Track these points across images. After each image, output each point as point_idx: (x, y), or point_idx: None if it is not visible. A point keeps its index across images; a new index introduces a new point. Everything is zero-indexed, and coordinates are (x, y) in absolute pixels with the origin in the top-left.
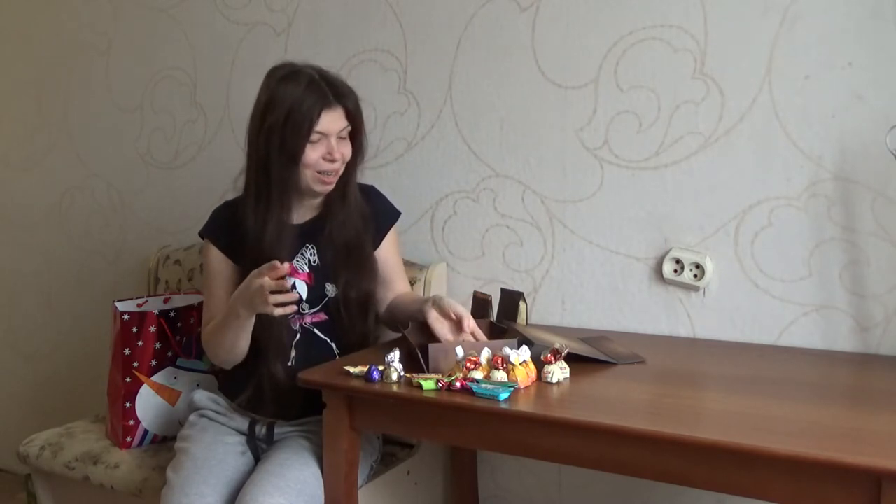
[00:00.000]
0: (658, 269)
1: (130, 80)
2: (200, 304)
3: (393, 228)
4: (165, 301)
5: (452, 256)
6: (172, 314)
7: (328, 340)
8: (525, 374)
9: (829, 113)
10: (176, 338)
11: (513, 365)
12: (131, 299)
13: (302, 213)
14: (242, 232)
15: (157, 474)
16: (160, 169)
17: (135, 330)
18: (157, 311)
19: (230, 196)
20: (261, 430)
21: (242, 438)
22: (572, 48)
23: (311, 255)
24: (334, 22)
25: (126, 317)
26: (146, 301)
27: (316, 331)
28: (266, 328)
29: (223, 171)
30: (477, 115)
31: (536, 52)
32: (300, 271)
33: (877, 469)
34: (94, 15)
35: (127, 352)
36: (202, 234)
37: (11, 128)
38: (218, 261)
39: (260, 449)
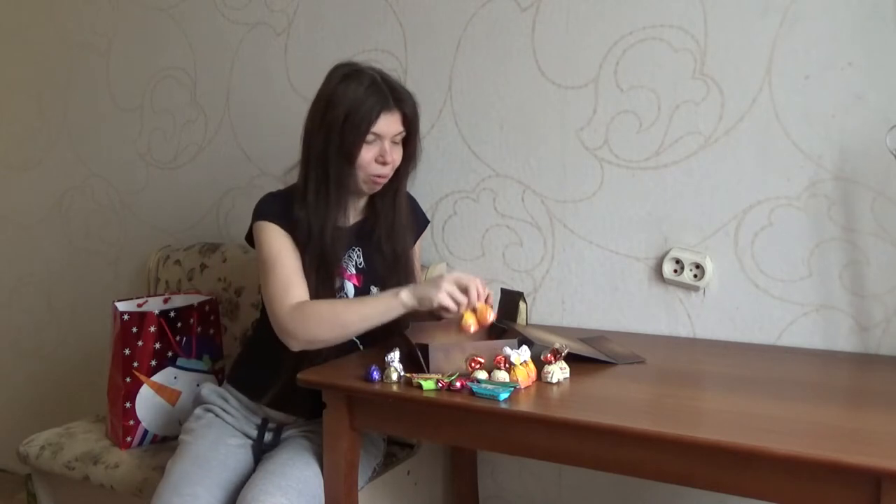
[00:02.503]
0: (658, 269)
1: (130, 80)
2: (200, 303)
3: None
4: (165, 301)
5: (452, 256)
6: (172, 314)
7: (357, 340)
8: (525, 374)
9: (829, 113)
10: (176, 338)
11: (513, 365)
12: (131, 299)
13: (351, 215)
14: (297, 224)
15: (157, 474)
16: (160, 169)
17: (135, 330)
18: (157, 311)
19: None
20: (269, 436)
21: (247, 441)
22: (572, 48)
23: (357, 256)
24: (334, 22)
25: (126, 317)
26: (146, 301)
27: None
28: None
29: (223, 171)
30: (477, 115)
31: (536, 52)
32: (349, 272)
33: (877, 469)
34: (94, 15)
35: (127, 352)
36: (259, 220)
37: (11, 128)
38: (284, 237)
39: (262, 452)
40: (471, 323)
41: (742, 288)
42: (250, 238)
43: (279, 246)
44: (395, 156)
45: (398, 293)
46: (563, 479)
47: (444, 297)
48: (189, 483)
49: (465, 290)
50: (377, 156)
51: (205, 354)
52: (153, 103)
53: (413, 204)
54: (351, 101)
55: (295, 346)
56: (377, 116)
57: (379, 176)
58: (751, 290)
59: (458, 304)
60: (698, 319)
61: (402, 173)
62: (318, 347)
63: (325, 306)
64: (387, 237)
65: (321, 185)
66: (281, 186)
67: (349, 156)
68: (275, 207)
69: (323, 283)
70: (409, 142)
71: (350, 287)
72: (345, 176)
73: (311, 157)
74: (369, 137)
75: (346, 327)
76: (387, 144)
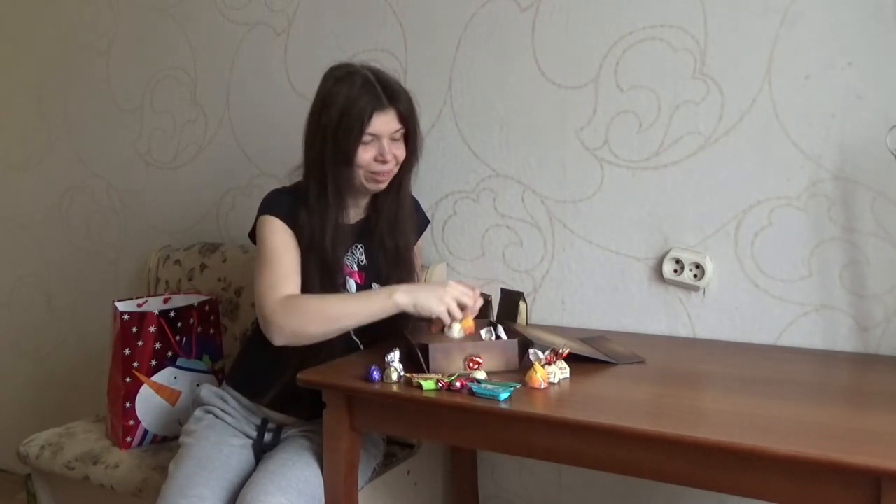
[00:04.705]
0: (658, 269)
1: (130, 80)
2: (200, 303)
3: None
4: (165, 301)
5: (452, 256)
6: (172, 314)
7: (357, 340)
8: (545, 375)
9: (829, 113)
10: (176, 338)
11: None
12: (131, 299)
13: (354, 213)
14: (302, 223)
15: (158, 474)
16: (160, 169)
17: (135, 330)
18: (157, 311)
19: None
20: (268, 436)
21: (247, 441)
22: (572, 48)
23: (360, 254)
24: (334, 22)
25: (126, 317)
26: (146, 301)
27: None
28: None
29: (223, 171)
30: (477, 115)
31: (536, 52)
32: (351, 269)
33: (877, 469)
34: (94, 15)
35: (127, 352)
36: (265, 213)
37: (11, 128)
38: (286, 232)
39: (262, 452)
40: (458, 331)
41: (742, 288)
42: (254, 234)
43: (280, 241)
44: (397, 152)
45: (392, 294)
46: (563, 479)
47: (444, 313)
48: (194, 485)
49: (462, 307)
50: (376, 155)
51: (205, 354)
52: (153, 103)
53: (415, 203)
54: (344, 102)
55: (278, 340)
56: (370, 117)
57: (381, 173)
58: (751, 289)
59: (452, 318)
60: (698, 319)
61: (405, 168)
62: (305, 343)
63: (314, 300)
64: (389, 232)
65: (322, 187)
66: (287, 183)
67: (346, 157)
68: (281, 203)
69: (325, 281)
70: (410, 137)
71: (352, 284)
72: (344, 177)
73: (310, 160)
74: (366, 138)
75: (333, 322)
76: (385, 143)
